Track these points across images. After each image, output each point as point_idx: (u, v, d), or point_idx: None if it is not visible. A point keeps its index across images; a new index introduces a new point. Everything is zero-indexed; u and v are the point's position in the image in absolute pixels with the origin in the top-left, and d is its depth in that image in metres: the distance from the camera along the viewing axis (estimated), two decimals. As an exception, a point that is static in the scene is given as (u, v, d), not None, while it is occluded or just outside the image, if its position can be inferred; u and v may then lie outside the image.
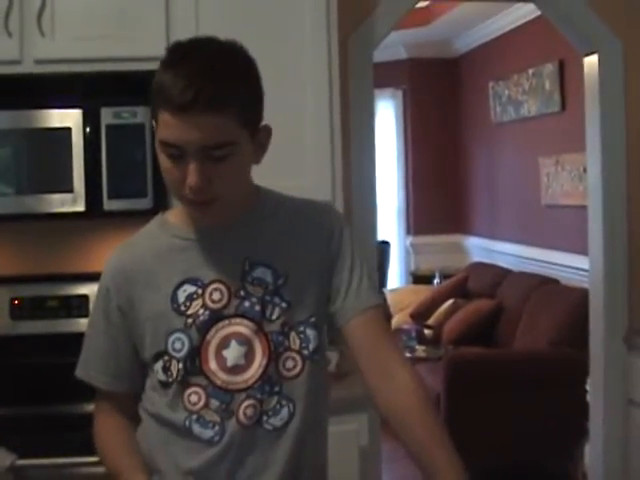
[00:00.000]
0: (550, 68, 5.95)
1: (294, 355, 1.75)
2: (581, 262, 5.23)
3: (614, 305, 3.66)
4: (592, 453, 3.79)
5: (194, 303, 1.74)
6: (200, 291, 1.75)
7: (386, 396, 1.75)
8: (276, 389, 1.74)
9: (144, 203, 2.88)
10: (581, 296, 4.80)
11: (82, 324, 3.15)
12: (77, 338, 3.16)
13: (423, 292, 6.89)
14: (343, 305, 1.79)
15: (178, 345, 1.73)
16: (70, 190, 2.87)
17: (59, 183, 2.88)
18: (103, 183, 2.86)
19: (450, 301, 6.31)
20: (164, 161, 1.66)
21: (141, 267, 1.80)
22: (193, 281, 1.75)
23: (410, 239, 8.17)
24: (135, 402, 1.84)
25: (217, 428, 1.72)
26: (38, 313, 3.18)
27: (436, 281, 7.20)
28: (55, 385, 3.02)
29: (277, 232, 1.80)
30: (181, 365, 1.73)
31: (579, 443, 4.31)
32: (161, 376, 1.75)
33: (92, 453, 2.56)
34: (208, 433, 1.72)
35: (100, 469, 2.63)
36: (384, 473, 3.48)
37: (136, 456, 1.79)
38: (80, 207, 2.87)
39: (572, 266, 5.49)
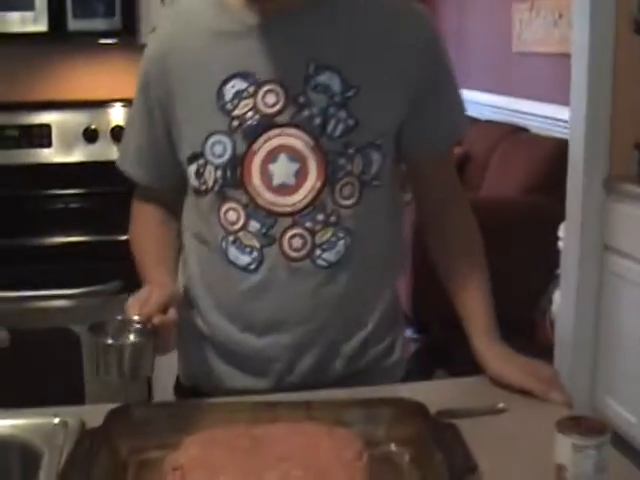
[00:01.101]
0: None
1: (353, 181, 1.49)
2: (552, 111, 5.11)
3: (594, 153, 3.52)
4: (563, 300, 3.71)
5: (243, 103, 1.47)
6: (252, 89, 1.47)
7: (445, 233, 1.65)
8: (332, 219, 1.50)
9: (112, 23, 2.68)
10: (553, 145, 4.68)
11: (44, 155, 3.05)
12: (39, 169, 3.07)
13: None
14: (426, 133, 1.57)
15: (218, 149, 1.49)
16: (31, 8, 2.65)
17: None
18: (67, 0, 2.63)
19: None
20: None
21: (184, 55, 1.53)
22: (245, 76, 1.48)
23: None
24: (176, 202, 1.64)
25: (255, 255, 1.51)
26: (-3, 143, 3.00)
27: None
28: (17, 217, 2.89)
29: (353, 33, 1.49)
30: (219, 173, 1.49)
31: (546, 291, 4.24)
32: (194, 182, 1.53)
33: (63, 286, 2.55)
34: (245, 259, 1.51)
35: (72, 302, 2.61)
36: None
37: (163, 267, 1.61)
38: (42, 27, 2.68)
39: (543, 115, 5.34)
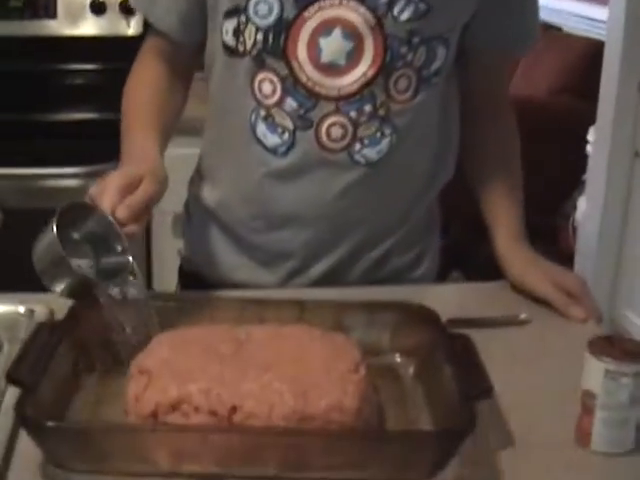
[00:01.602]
0: None
1: (411, 74, 1.30)
2: (588, 10, 4.82)
3: (631, 55, 3.27)
4: (589, 206, 3.51)
5: None
6: None
7: (482, 133, 1.47)
8: (380, 112, 1.30)
9: None
10: (587, 45, 4.42)
11: (49, 27, 2.83)
12: (44, 41, 2.86)
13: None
14: (497, 27, 1.37)
15: (263, 9, 1.27)
16: None
17: None
18: None
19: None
20: None
21: None
22: None
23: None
24: (191, 69, 1.45)
25: (286, 137, 1.31)
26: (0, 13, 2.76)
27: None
28: (18, 91, 2.71)
29: None
30: (260, 36, 1.28)
31: (571, 197, 4.03)
32: (230, 40, 1.31)
33: (64, 164, 2.38)
34: (274, 140, 1.32)
35: (73, 181, 2.44)
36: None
37: (155, 134, 1.34)
38: None
39: (578, 14, 5.05)
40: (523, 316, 1.30)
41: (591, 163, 3.56)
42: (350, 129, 1.30)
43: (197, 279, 1.46)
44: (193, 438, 0.90)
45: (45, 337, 1.02)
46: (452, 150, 1.43)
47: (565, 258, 3.59)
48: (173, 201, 2.35)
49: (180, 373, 0.96)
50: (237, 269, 1.42)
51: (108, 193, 1.11)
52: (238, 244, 1.41)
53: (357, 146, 1.31)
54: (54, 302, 1.28)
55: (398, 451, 0.92)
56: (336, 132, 1.30)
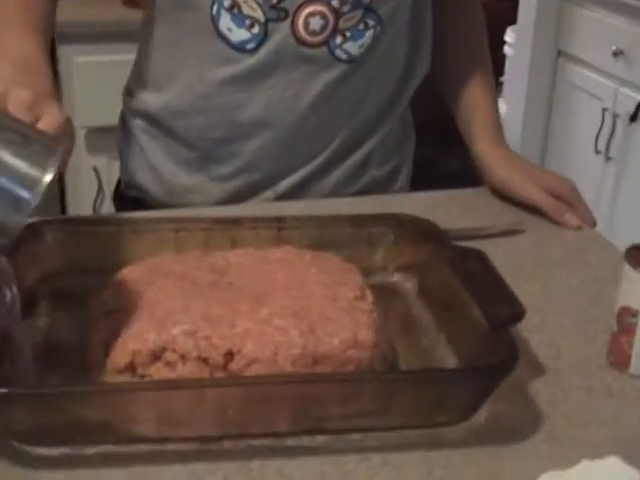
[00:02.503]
0: None
1: None
2: None
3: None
4: (510, 108, 3.38)
5: None
6: None
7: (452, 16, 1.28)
8: (364, 0, 1.10)
9: None
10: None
11: None
12: None
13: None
14: None
15: None
16: None
17: None
18: None
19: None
20: None
21: None
22: None
23: None
24: None
25: (257, 30, 1.10)
26: None
27: None
28: None
29: None
30: None
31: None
32: None
33: None
34: (241, 34, 1.10)
35: None
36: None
37: (39, 37, 1.01)
38: None
39: None
40: (515, 224, 1.15)
41: (510, 64, 3.42)
42: (331, 19, 1.10)
43: (140, 206, 1.23)
44: (186, 396, 0.71)
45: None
46: (426, 37, 1.24)
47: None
48: (85, 114, 2.14)
49: (157, 313, 0.77)
50: (191, 189, 1.20)
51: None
52: (192, 160, 1.19)
53: (338, 39, 1.11)
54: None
55: (429, 393, 0.75)
56: (315, 23, 1.09)
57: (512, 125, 3.40)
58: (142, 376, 0.74)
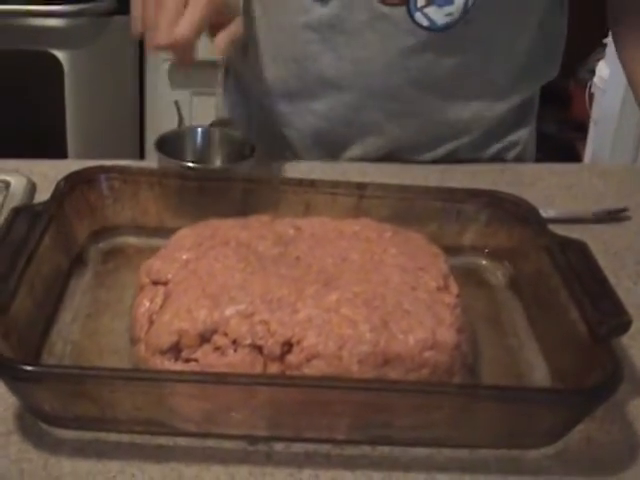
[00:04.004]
0: None
1: None
2: None
3: None
4: (612, 73, 3.18)
5: None
6: None
7: None
8: None
9: None
10: None
11: None
12: None
13: None
14: None
15: None
16: None
17: None
18: None
19: None
20: None
21: None
22: None
23: None
24: None
25: None
26: None
27: None
28: None
29: None
30: None
31: (586, 62, 3.71)
32: None
33: (59, 1, 2.02)
34: None
35: (56, 21, 2.08)
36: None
37: None
38: None
39: None
40: (619, 209, 1.01)
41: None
42: None
43: None
44: (233, 391, 0.60)
45: (23, 229, 0.71)
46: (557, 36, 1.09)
47: (577, 125, 3.29)
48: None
49: (210, 287, 0.66)
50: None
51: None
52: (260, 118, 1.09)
53: (421, 1, 0.97)
54: (36, 169, 0.98)
55: (513, 413, 0.63)
56: None
57: (613, 90, 3.21)
58: (187, 360, 0.64)
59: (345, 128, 1.06)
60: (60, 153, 2.05)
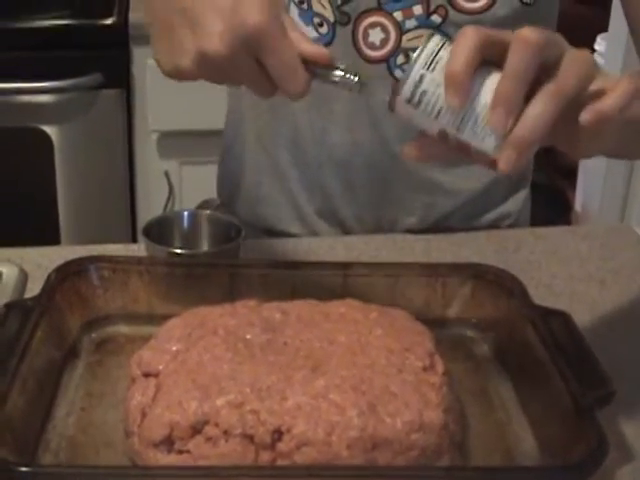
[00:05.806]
0: None
1: None
2: None
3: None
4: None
5: None
6: None
7: None
8: (434, 19, 0.98)
9: None
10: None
11: None
12: None
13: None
14: None
15: None
16: None
17: None
18: None
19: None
20: None
21: None
22: None
23: None
24: None
25: (325, 30, 1.00)
26: None
27: None
28: None
29: None
30: None
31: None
32: None
33: (33, 78, 2.05)
34: (310, 33, 0.99)
35: (44, 97, 2.11)
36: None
37: None
38: None
39: None
40: (602, 272, 1.03)
41: (600, 73, 3.27)
42: (393, 33, 0.99)
43: None
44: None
45: (14, 326, 0.73)
46: None
47: (566, 172, 3.32)
48: (157, 118, 2.08)
49: (200, 378, 0.68)
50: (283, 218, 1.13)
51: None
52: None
53: (400, 58, 1.00)
54: (28, 257, 1.00)
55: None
56: (375, 35, 0.99)
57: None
58: (180, 451, 0.66)
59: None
60: (51, 228, 2.08)
